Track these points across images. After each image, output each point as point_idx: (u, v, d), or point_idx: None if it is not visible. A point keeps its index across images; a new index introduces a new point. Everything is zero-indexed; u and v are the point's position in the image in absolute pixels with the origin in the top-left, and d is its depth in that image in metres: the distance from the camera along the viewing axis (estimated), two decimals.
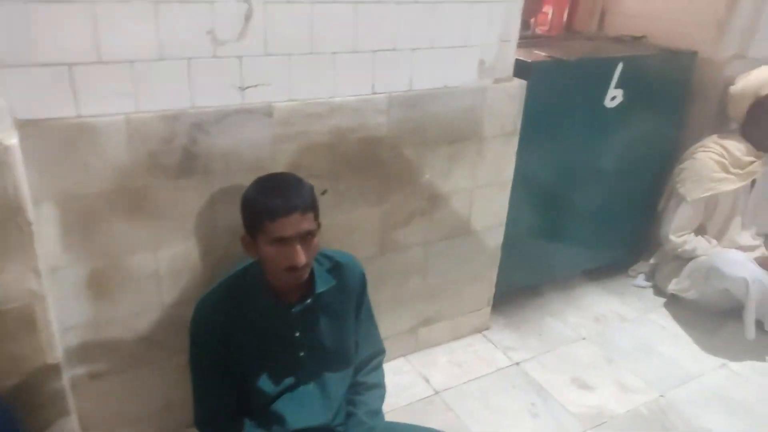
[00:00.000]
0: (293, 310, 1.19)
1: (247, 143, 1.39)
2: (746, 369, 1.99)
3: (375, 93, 1.54)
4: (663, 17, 2.42)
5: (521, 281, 2.29)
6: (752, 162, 2.15)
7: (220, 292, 1.20)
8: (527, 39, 2.33)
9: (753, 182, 2.21)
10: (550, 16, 2.62)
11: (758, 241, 2.28)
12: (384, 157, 1.62)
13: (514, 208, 1.99)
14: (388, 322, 1.80)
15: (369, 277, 1.34)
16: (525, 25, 2.63)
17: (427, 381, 1.86)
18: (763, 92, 2.08)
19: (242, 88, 1.34)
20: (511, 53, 1.76)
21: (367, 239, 1.70)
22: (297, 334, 1.22)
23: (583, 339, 2.13)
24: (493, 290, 2.09)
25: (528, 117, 1.84)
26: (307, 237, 1.11)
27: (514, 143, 1.87)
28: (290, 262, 1.09)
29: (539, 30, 2.63)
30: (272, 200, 1.09)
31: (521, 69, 1.83)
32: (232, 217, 1.26)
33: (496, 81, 1.74)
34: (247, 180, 1.21)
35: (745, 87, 2.14)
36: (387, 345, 1.47)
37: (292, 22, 1.35)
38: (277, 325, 1.21)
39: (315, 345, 1.24)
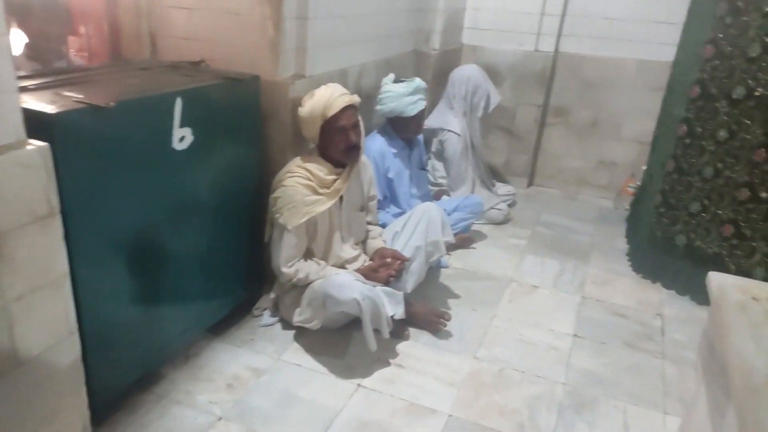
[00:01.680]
0: None
1: None
2: (377, 383, 2.05)
3: None
4: (218, 40, 2.24)
5: (131, 375, 1.82)
6: (335, 180, 2.21)
7: None
8: (60, 74, 1.79)
9: (341, 198, 2.29)
10: (87, 40, 2.12)
11: (358, 251, 2.40)
12: None
13: (93, 295, 1.50)
14: None
15: None
16: (57, 54, 2.05)
17: None
18: (329, 113, 2.12)
19: None
20: (12, 107, 1.24)
21: None
22: None
23: (219, 419, 1.83)
24: (87, 414, 1.56)
25: (75, 185, 1.37)
26: None
27: (57, 227, 1.36)
28: None
29: (78, 58, 2.11)
30: None
31: (41, 125, 1.33)
32: None
33: None
34: None
35: (312, 109, 2.14)
36: None
37: None
38: None
39: None
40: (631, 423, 1.91)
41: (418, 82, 2.70)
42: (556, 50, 3.76)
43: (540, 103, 3.85)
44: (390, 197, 2.88)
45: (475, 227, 3.30)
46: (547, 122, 3.99)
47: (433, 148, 3.57)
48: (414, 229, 2.41)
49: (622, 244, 3.24)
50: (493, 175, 3.91)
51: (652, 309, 2.60)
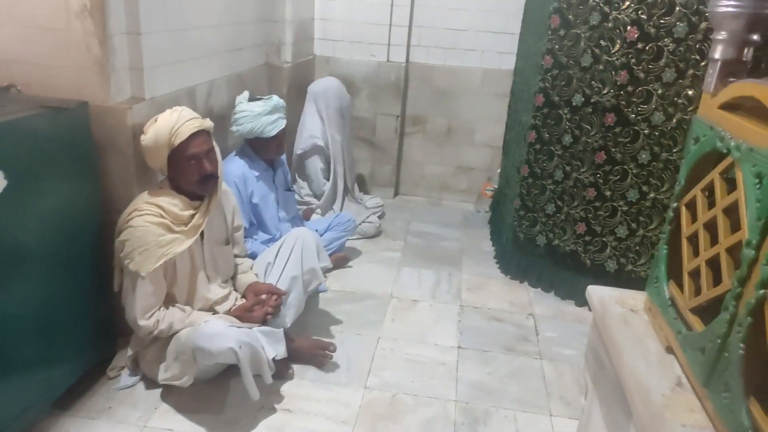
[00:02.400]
0: None
1: None
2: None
3: None
4: (31, 61, 1.87)
5: None
6: (193, 214, 1.96)
7: None
8: None
9: (202, 234, 2.04)
10: None
11: (227, 289, 2.17)
12: None
13: None
14: None
15: None
16: None
17: None
18: (177, 141, 1.87)
19: None
20: None
21: None
22: None
23: None
24: None
25: None
26: None
27: None
28: None
29: None
30: None
31: None
32: None
33: None
34: None
35: (156, 137, 1.87)
36: None
37: None
38: None
39: None
40: (522, 430, 1.95)
41: (276, 100, 2.53)
42: (408, 60, 3.82)
43: (398, 113, 3.89)
44: (257, 223, 2.67)
45: (348, 243, 3.21)
46: (406, 131, 4.04)
47: (296, 166, 3.42)
48: (288, 258, 2.24)
49: (489, 247, 3.38)
50: (359, 187, 3.87)
51: (523, 309, 2.72)
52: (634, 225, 2.54)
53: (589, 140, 2.58)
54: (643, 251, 2.54)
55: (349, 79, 3.82)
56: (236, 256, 2.27)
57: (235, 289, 2.21)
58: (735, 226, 0.88)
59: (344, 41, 3.76)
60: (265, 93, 3.19)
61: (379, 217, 3.67)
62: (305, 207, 3.43)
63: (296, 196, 3.48)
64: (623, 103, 2.44)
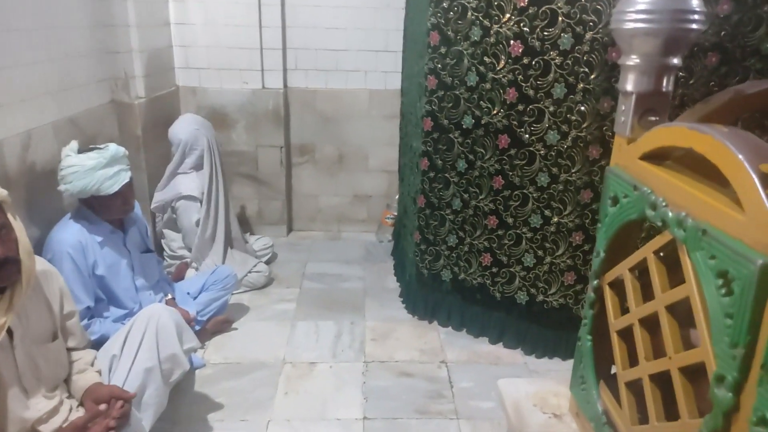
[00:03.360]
0: None
1: None
2: None
3: None
4: None
5: None
6: None
7: None
8: None
9: (10, 335, 1.55)
10: None
11: (56, 398, 1.67)
12: None
13: None
14: None
15: None
16: None
17: None
18: None
19: None
20: None
21: None
22: None
23: None
24: None
25: None
26: None
27: None
28: None
29: None
30: None
31: None
32: None
33: None
34: None
35: None
36: None
37: None
38: None
39: None
40: None
41: (113, 149, 2.07)
42: (286, 86, 3.46)
43: (281, 144, 3.51)
44: (107, 298, 2.18)
45: (234, 298, 2.78)
46: (293, 162, 3.67)
47: (165, 217, 2.94)
48: (138, 347, 1.79)
49: (393, 283, 3.08)
50: (244, 228, 3.44)
51: (435, 356, 2.43)
52: (540, 252, 2.34)
53: (484, 165, 2.35)
54: (553, 279, 2.34)
55: (221, 110, 3.39)
56: (72, 349, 1.78)
57: (71, 394, 1.73)
58: (686, 319, 0.61)
59: (210, 69, 3.33)
60: (115, 136, 2.70)
61: (269, 262, 3.27)
62: (179, 262, 2.95)
63: (166, 250, 3.00)
64: (515, 123, 2.24)
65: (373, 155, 3.65)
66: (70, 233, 2.06)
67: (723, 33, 1.99)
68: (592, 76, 2.10)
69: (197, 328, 2.46)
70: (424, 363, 2.38)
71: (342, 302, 2.88)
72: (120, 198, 2.09)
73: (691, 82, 2.05)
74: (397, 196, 3.57)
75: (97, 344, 2.03)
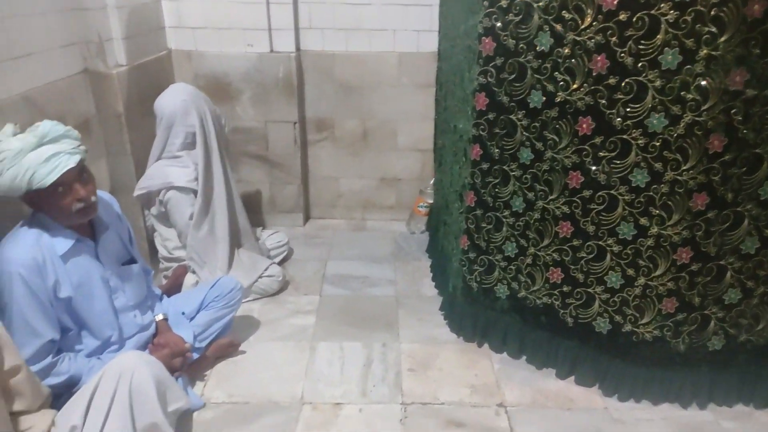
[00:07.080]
0: None
1: None
2: None
3: None
4: None
5: None
6: None
7: None
8: None
9: None
10: None
11: None
12: None
13: None
14: None
15: None
16: None
17: None
18: None
19: None
20: None
21: None
22: None
23: None
24: None
25: None
26: None
27: None
28: None
29: None
30: None
31: None
32: None
33: None
34: None
35: None
36: None
37: None
38: None
39: None
40: None
41: (47, 126, 1.53)
42: (298, 49, 2.90)
43: (295, 119, 2.97)
44: (78, 326, 1.71)
45: (241, 308, 2.30)
46: (309, 140, 3.14)
47: (155, 212, 2.45)
48: (106, 416, 1.35)
49: (431, 290, 2.59)
50: (254, 221, 2.94)
51: (490, 396, 1.95)
52: (631, 271, 1.81)
53: (557, 156, 1.81)
54: (647, 306, 1.83)
55: (223, 79, 2.85)
56: (19, 413, 1.34)
57: None
58: None
59: (207, 28, 2.76)
60: (90, 114, 2.20)
61: (283, 260, 2.80)
62: (176, 265, 2.48)
63: (161, 251, 2.52)
64: (603, 102, 1.68)
65: (403, 131, 3.10)
66: (21, 249, 1.56)
67: None
68: (722, 39, 1.52)
69: (196, 356, 2.01)
70: (477, 407, 1.91)
71: (371, 316, 2.40)
72: (67, 192, 1.57)
73: None
74: (432, 181, 3.04)
75: (68, 386, 1.60)
